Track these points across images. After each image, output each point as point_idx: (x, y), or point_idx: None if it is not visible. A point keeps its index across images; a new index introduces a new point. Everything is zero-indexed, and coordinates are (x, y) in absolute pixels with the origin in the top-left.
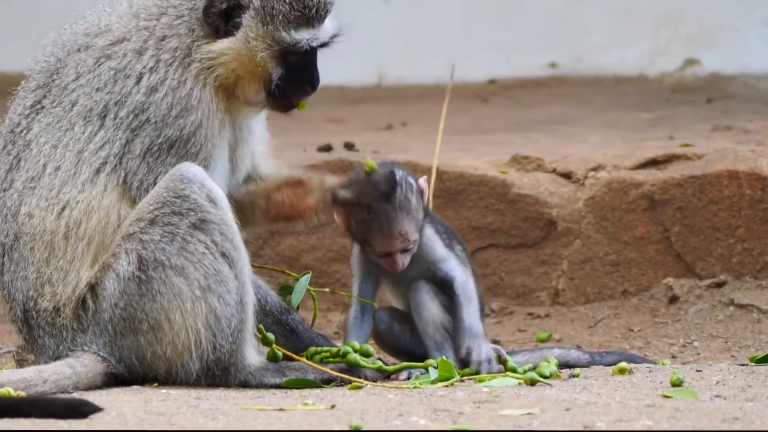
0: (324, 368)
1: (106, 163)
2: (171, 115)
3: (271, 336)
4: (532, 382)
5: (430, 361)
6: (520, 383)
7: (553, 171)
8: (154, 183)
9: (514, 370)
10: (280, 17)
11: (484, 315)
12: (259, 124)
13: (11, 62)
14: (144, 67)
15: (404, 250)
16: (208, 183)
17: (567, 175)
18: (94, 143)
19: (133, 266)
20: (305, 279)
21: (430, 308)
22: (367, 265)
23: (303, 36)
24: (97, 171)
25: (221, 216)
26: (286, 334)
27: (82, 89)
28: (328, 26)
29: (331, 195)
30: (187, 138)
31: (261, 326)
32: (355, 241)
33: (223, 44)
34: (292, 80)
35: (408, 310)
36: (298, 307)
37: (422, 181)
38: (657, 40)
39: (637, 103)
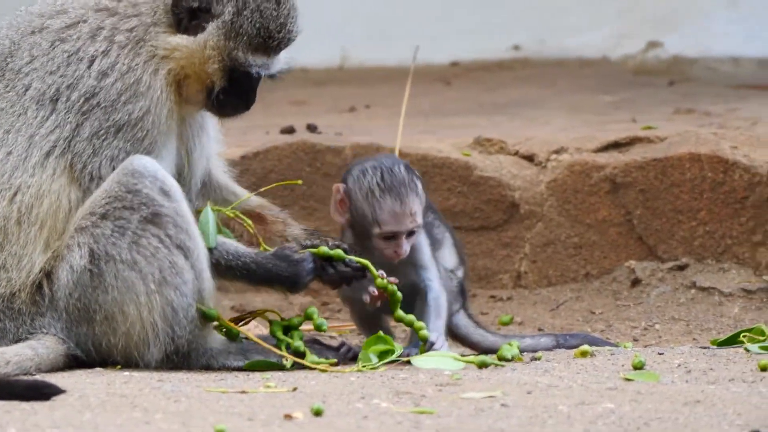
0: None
1: (56, 146)
2: (120, 100)
3: (214, 312)
4: (483, 365)
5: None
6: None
7: (516, 153)
8: (99, 166)
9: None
10: (245, 38)
11: (468, 299)
12: (211, 122)
13: None
14: (96, 50)
15: (409, 234)
16: (161, 175)
17: (529, 158)
18: (45, 127)
19: (85, 260)
20: (205, 213)
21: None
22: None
23: (257, 61)
24: (47, 155)
25: (175, 208)
26: (246, 276)
27: (35, 73)
28: (281, 58)
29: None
30: (135, 123)
31: (199, 305)
32: (355, 228)
33: (181, 40)
34: (232, 95)
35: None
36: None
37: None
38: (620, 22)
39: (599, 86)
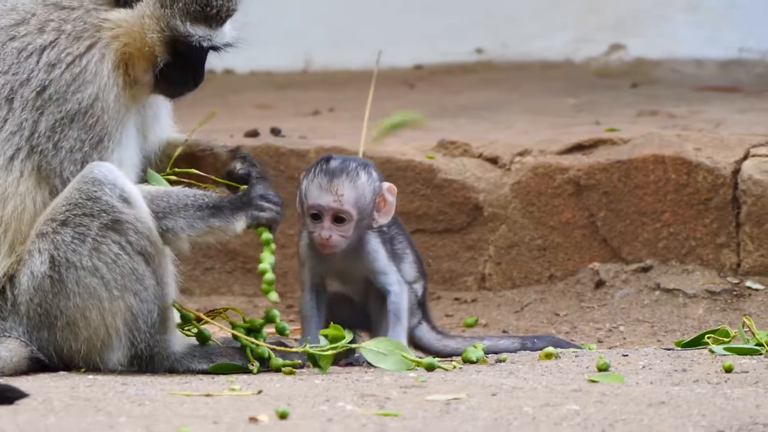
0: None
1: (19, 148)
2: (69, 90)
3: (189, 313)
4: (431, 368)
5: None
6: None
7: (480, 156)
8: (61, 161)
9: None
10: (180, 5)
11: (429, 311)
12: (164, 109)
13: None
14: (44, 42)
15: (336, 220)
16: (120, 182)
17: (493, 160)
18: (5, 130)
19: (45, 266)
20: (152, 176)
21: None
22: (314, 256)
23: (197, 32)
24: (11, 158)
25: (135, 214)
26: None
27: None
28: (227, 32)
29: None
30: (85, 110)
31: (176, 304)
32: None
33: (119, 14)
34: (178, 71)
35: (356, 298)
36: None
37: (388, 188)
38: (582, 25)
39: (563, 89)
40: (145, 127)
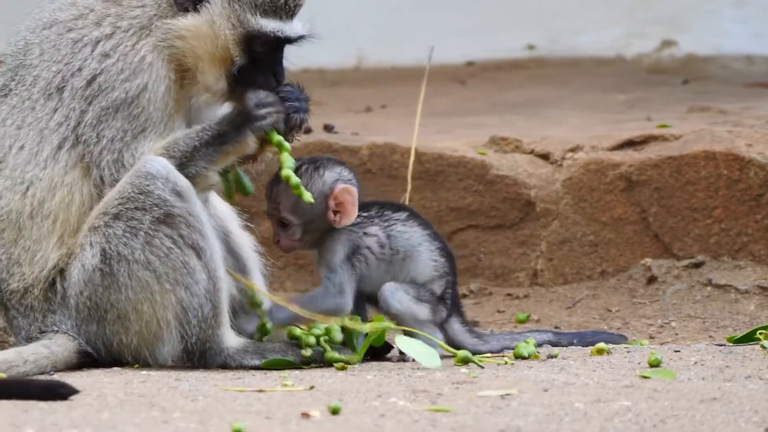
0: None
1: (65, 138)
2: (119, 79)
3: (259, 299)
4: (465, 361)
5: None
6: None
7: (531, 152)
8: (100, 152)
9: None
10: (247, 0)
11: (460, 308)
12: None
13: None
14: (101, 34)
15: (280, 224)
16: (173, 176)
17: (545, 156)
18: (53, 120)
19: (96, 259)
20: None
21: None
22: None
23: (269, 25)
24: (58, 147)
25: (187, 208)
26: (217, 140)
27: (44, 64)
28: (297, 25)
29: None
30: (131, 100)
31: (248, 289)
32: None
33: (186, 21)
34: (256, 72)
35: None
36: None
37: (341, 189)
38: (633, 21)
39: (614, 85)
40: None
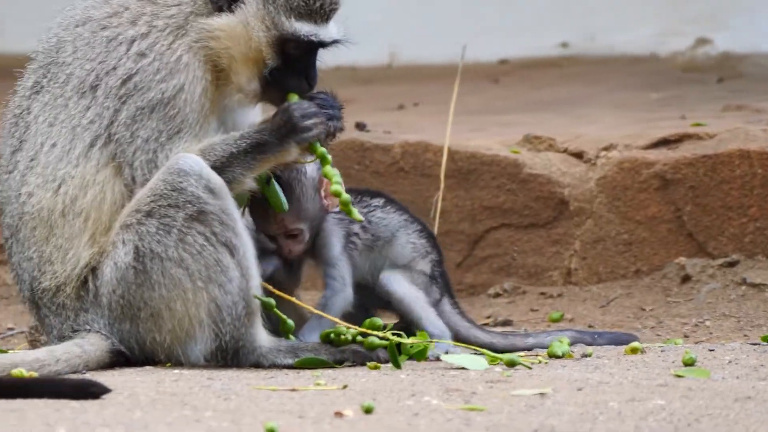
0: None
1: (98, 136)
2: (155, 79)
3: (271, 301)
4: (512, 364)
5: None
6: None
7: (565, 151)
8: (134, 152)
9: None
10: (283, 1)
11: (448, 278)
12: (249, 121)
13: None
14: (136, 33)
15: (289, 236)
16: (206, 173)
17: (579, 155)
18: (86, 117)
19: (129, 257)
20: (272, 183)
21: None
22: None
23: (303, 28)
24: (90, 145)
25: (220, 206)
26: (258, 150)
27: (77, 62)
28: (332, 28)
29: None
30: (167, 101)
31: (257, 296)
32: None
33: (220, 21)
34: (289, 74)
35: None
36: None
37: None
38: (668, 19)
39: (648, 83)
40: (234, 127)
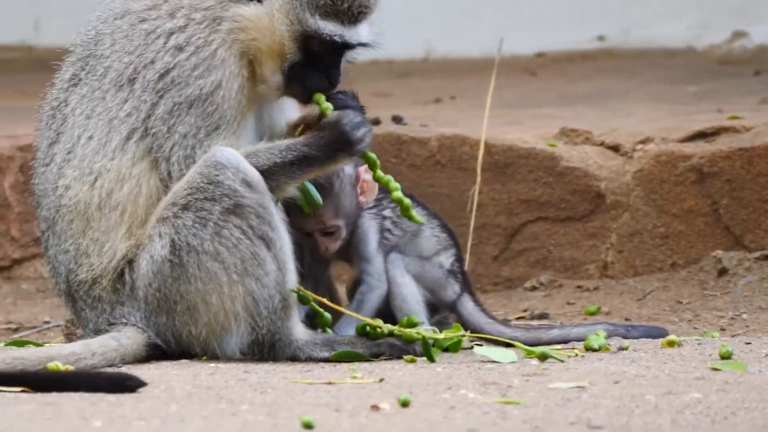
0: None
1: (135, 129)
2: (193, 75)
3: (308, 294)
4: (544, 357)
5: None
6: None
7: (602, 144)
8: (171, 147)
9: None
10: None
11: (466, 274)
12: (284, 117)
13: (58, 38)
14: (174, 26)
15: (326, 233)
16: (243, 166)
17: (615, 148)
18: (123, 110)
19: (165, 250)
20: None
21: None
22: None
23: (327, 27)
24: (127, 138)
25: (257, 199)
26: (305, 162)
27: (116, 55)
28: (362, 31)
29: None
30: (205, 97)
31: (294, 289)
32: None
33: (250, 9)
34: (310, 71)
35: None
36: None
37: (362, 170)
38: (704, 12)
39: (684, 76)
40: (270, 122)
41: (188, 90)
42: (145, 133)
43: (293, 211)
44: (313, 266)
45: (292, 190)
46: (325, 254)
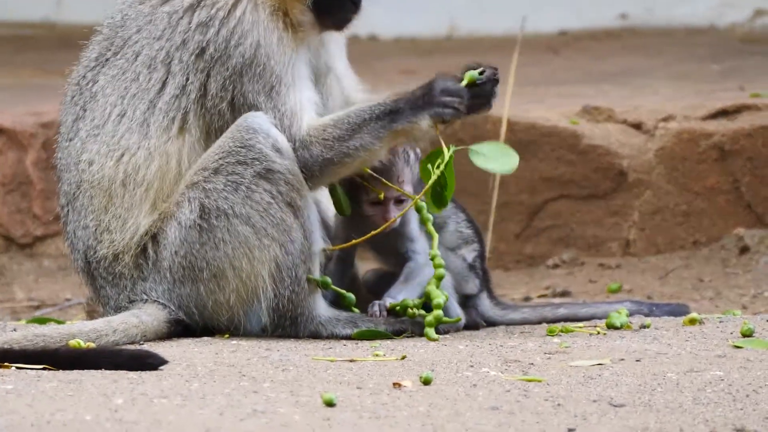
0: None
1: (187, 111)
2: (230, 46)
3: (327, 279)
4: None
5: None
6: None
7: (624, 122)
8: (236, 118)
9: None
10: None
11: (487, 270)
12: (339, 62)
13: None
14: (194, 3)
15: (398, 201)
16: (273, 132)
17: (637, 126)
18: (166, 93)
19: (194, 214)
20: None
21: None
22: (349, 228)
23: None
24: (173, 119)
25: (287, 165)
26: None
27: (144, 41)
28: None
29: None
30: (250, 61)
31: (309, 276)
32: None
33: None
34: None
35: (392, 269)
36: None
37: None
38: None
39: (707, 54)
40: (327, 59)
41: (232, 61)
42: (203, 112)
43: (374, 177)
44: (342, 250)
45: (376, 153)
46: (387, 222)
